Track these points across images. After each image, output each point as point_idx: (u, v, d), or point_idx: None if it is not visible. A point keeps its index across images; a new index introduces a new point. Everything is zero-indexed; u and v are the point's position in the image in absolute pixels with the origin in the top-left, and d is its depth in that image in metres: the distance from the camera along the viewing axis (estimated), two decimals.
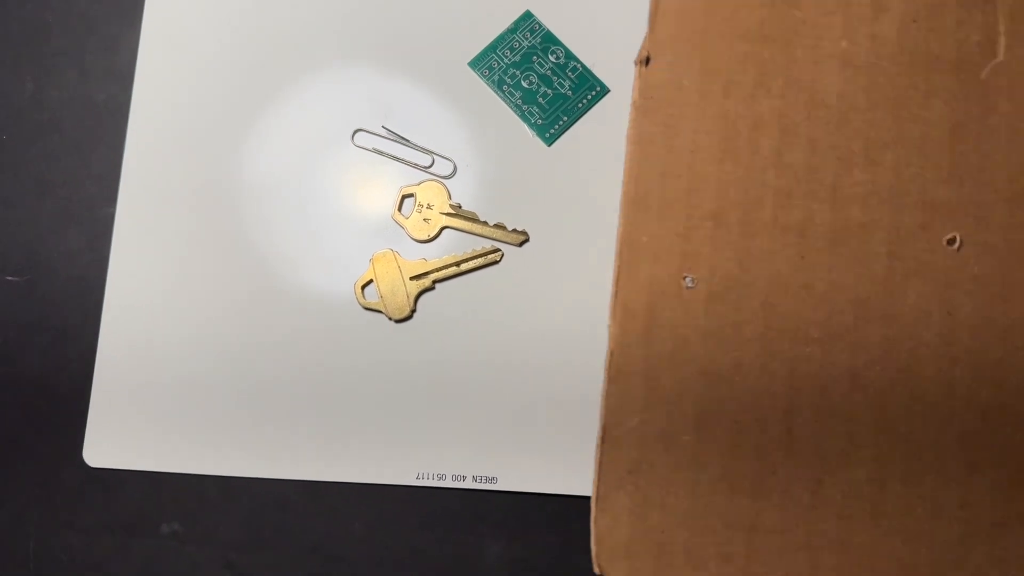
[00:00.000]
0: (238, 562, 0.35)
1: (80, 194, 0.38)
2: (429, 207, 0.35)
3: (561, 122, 0.36)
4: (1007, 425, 0.26)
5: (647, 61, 0.28)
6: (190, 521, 0.35)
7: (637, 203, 0.27)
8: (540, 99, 0.36)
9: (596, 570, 0.26)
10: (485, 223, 0.35)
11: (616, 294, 0.27)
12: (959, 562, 0.26)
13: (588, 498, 0.34)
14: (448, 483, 0.34)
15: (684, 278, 0.27)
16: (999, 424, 0.26)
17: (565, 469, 0.34)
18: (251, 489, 0.35)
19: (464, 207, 0.36)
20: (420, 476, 0.34)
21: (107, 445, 0.36)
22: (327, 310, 0.35)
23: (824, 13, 0.28)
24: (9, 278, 0.37)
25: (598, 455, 0.27)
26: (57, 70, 0.39)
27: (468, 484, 0.34)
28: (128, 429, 0.36)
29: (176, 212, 0.37)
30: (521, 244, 0.35)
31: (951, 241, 0.27)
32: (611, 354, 0.27)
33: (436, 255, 0.36)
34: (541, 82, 0.36)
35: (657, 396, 0.26)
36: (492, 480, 0.34)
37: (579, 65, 0.36)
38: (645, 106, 0.27)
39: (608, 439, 0.27)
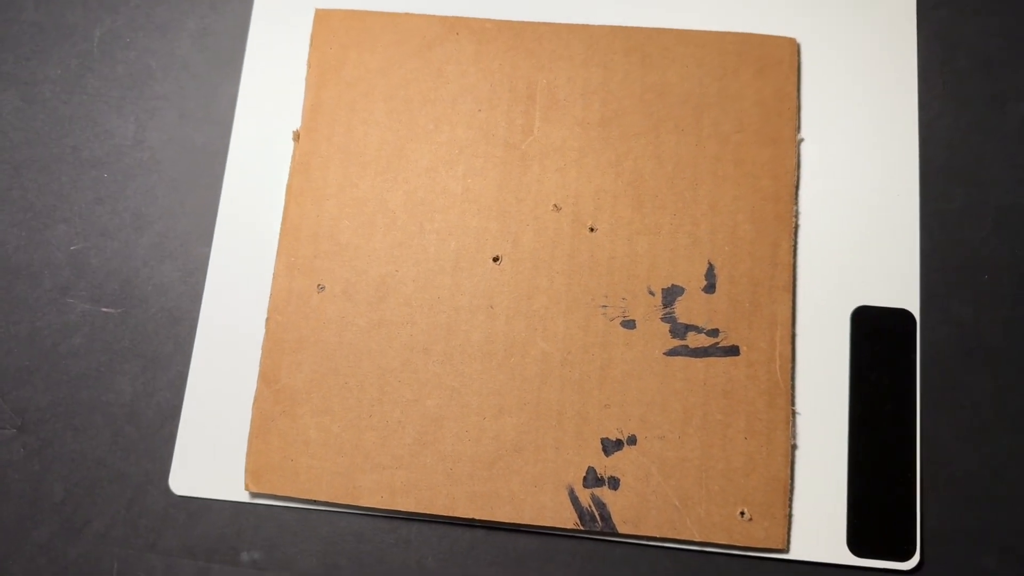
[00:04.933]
0: None
1: (176, 231, 0.40)
2: None
3: None
4: (525, 381, 0.37)
5: (299, 138, 0.40)
6: (269, 549, 0.37)
7: (289, 233, 0.39)
8: None
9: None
10: None
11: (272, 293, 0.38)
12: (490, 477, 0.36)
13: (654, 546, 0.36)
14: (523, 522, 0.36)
15: (318, 285, 0.38)
16: (520, 381, 0.37)
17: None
18: (330, 521, 0.37)
19: None
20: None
21: (192, 473, 0.37)
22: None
23: (423, 102, 0.40)
24: (104, 310, 0.39)
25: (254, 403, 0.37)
26: (159, 112, 0.41)
27: (542, 524, 0.36)
28: (213, 458, 0.37)
29: (269, 257, 0.39)
30: None
31: (495, 258, 0.38)
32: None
33: None
34: None
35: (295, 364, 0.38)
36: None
37: None
38: (297, 169, 0.40)
39: (260, 392, 0.37)
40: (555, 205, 0.38)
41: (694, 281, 0.37)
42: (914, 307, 0.37)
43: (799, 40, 0.40)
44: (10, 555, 0.37)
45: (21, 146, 0.41)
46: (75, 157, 0.41)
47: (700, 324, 0.37)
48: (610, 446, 0.36)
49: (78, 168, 0.41)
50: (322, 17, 0.41)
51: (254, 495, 0.37)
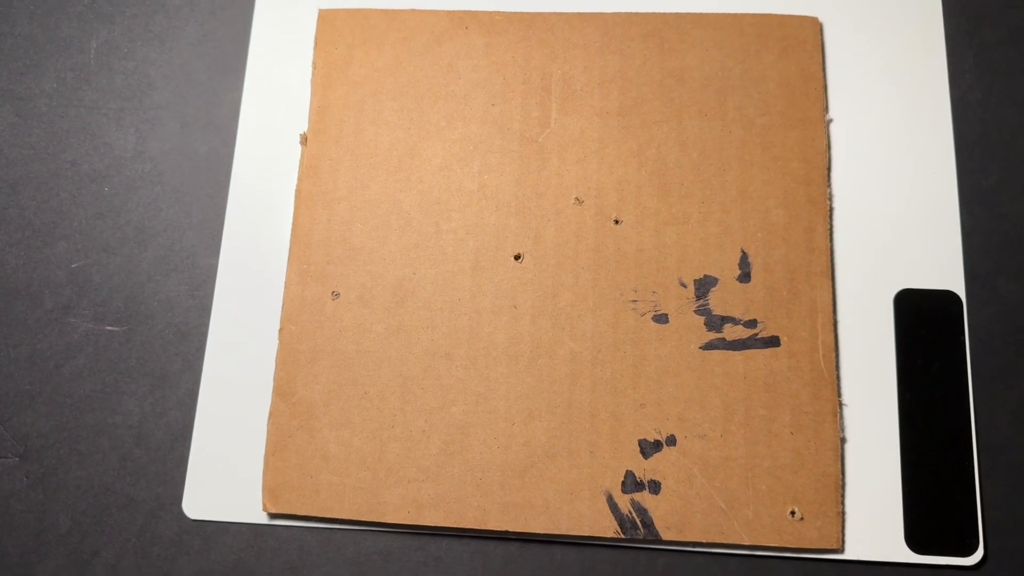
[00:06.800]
0: None
1: (181, 243, 0.38)
2: None
3: None
4: (554, 383, 0.35)
5: (306, 141, 0.38)
6: (291, 573, 0.34)
7: (300, 240, 0.37)
8: None
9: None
10: None
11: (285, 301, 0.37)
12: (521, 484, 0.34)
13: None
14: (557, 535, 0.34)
15: (332, 292, 0.36)
16: (548, 383, 0.35)
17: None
18: (354, 540, 0.35)
19: None
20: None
21: (207, 496, 0.35)
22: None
23: (435, 99, 0.38)
24: (108, 328, 0.37)
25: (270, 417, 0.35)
26: (159, 122, 0.40)
27: (578, 537, 0.34)
28: (228, 479, 0.35)
29: (280, 265, 0.37)
30: None
31: (517, 256, 0.36)
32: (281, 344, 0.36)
33: None
34: None
35: (311, 375, 0.36)
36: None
37: None
38: (305, 173, 0.38)
39: (276, 406, 0.35)
40: (576, 198, 0.37)
41: (727, 271, 0.36)
42: (959, 288, 0.36)
43: (821, 18, 0.39)
44: None
45: (17, 163, 0.40)
46: (74, 172, 0.39)
47: (737, 315, 0.35)
48: (648, 448, 0.34)
49: (77, 183, 0.39)
50: (326, 17, 0.40)
51: (273, 516, 0.35)
